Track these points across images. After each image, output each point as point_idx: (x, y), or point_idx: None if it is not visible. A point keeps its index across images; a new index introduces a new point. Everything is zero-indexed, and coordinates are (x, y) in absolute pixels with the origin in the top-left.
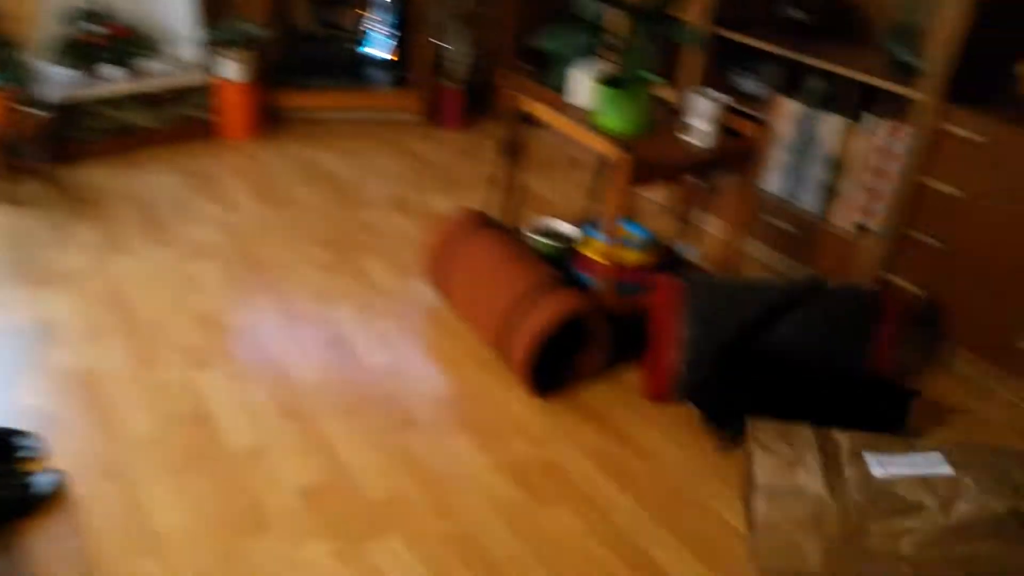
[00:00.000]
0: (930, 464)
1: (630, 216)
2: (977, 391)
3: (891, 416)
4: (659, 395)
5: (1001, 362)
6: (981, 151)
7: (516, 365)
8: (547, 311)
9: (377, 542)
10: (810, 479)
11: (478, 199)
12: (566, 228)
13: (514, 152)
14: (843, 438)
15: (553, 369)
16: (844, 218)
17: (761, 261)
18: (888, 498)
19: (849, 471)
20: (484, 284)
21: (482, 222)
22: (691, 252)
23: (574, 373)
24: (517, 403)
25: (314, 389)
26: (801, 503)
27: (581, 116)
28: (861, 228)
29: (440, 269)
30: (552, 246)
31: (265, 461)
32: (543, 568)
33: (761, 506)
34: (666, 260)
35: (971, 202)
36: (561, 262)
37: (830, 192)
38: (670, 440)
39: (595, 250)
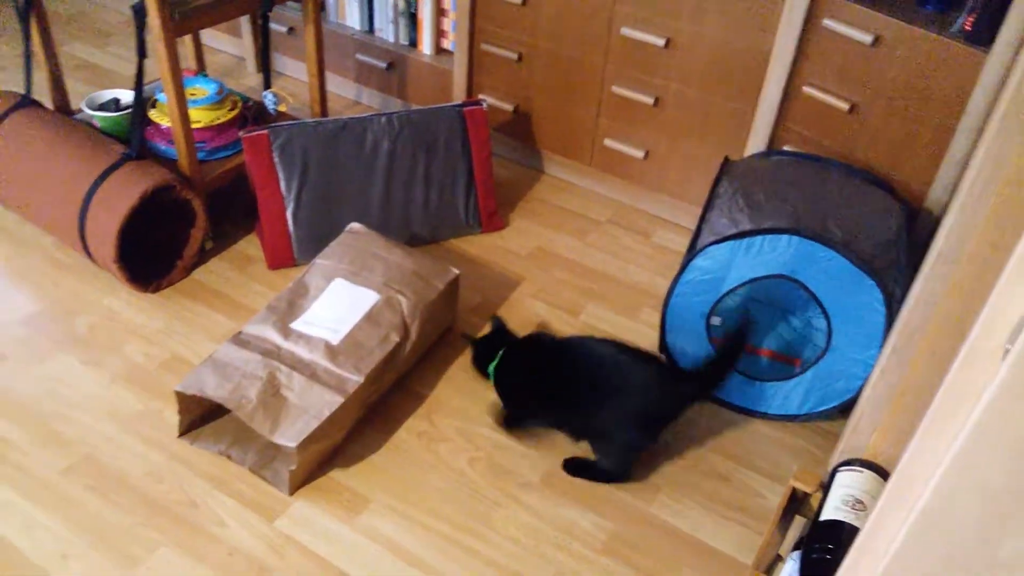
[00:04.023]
0: (353, 297)
1: (202, 72)
2: (563, 186)
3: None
4: (279, 259)
5: (587, 161)
6: None
7: (105, 261)
8: (125, 192)
9: None
10: (310, 398)
11: (18, 81)
12: (129, 97)
13: (27, 14)
14: (257, 328)
15: (153, 257)
16: (428, 45)
17: (352, 99)
18: (361, 353)
19: (305, 354)
20: (45, 176)
21: (23, 105)
22: (275, 101)
23: (179, 257)
24: (119, 303)
25: None
26: (328, 420)
27: None
28: (443, 51)
29: None
30: (115, 119)
31: None
32: (189, 472)
33: None
34: (251, 114)
35: (533, 7)
36: (131, 135)
37: (411, 20)
38: None
39: (167, 114)
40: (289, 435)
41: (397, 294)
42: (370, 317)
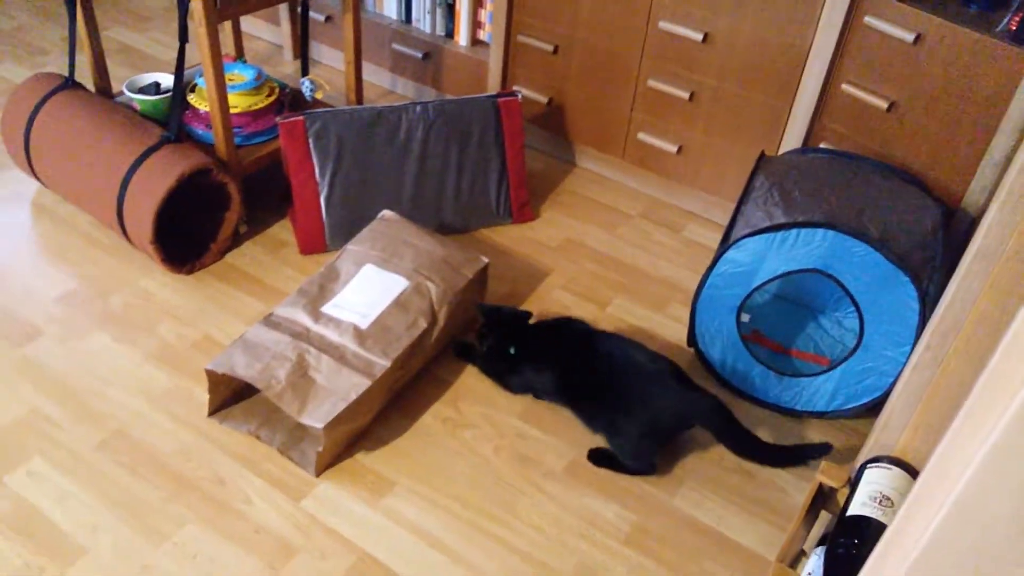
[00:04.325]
0: (383, 282)
1: (241, 58)
2: (595, 179)
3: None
4: (311, 244)
5: (620, 154)
6: None
7: (141, 242)
8: (163, 174)
9: (15, 472)
10: (337, 380)
11: (61, 64)
12: (174, 83)
13: None
14: (288, 311)
15: (188, 240)
16: (464, 36)
17: (387, 88)
18: (389, 339)
19: (335, 338)
20: (85, 158)
21: (65, 86)
22: (312, 88)
23: (214, 240)
24: (154, 283)
25: None
26: (354, 404)
27: None
28: (479, 43)
29: (26, 148)
30: (154, 102)
31: None
32: (218, 451)
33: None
34: (287, 100)
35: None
36: (170, 119)
37: (448, 11)
38: None
39: (205, 99)
40: (317, 416)
41: (426, 280)
42: (399, 303)
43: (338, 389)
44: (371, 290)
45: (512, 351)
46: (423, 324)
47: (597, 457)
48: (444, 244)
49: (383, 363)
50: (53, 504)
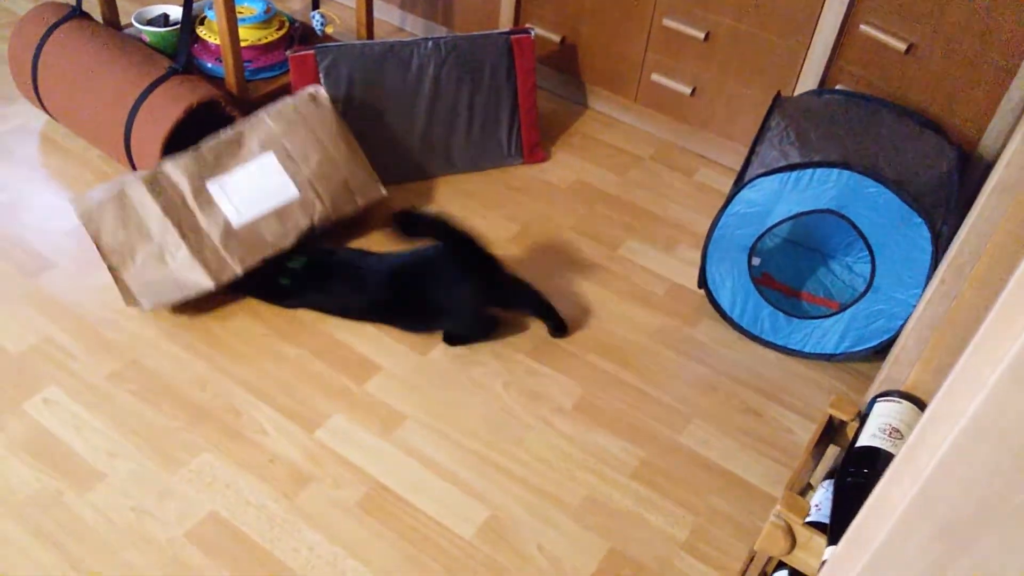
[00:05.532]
0: (275, 181)
1: None
2: (606, 121)
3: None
4: None
5: (633, 96)
6: None
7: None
8: (171, 105)
9: (32, 399)
10: (188, 272)
11: None
12: (178, 13)
13: None
14: (177, 175)
15: None
16: None
17: (396, 25)
18: (255, 246)
19: (205, 222)
20: (92, 88)
21: (72, 16)
22: (322, 22)
23: None
24: None
25: None
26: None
27: None
28: None
29: (34, 80)
30: (163, 34)
31: None
32: (232, 382)
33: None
34: (297, 35)
35: None
36: (184, 59)
37: None
38: None
39: (215, 32)
40: (148, 297)
41: (316, 199)
42: (279, 212)
43: (183, 282)
44: (261, 185)
45: (286, 282)
46: (291, 242)
47: (449, 337)
48: (351, 160)
49: (235, 270)
50: (70, 431)
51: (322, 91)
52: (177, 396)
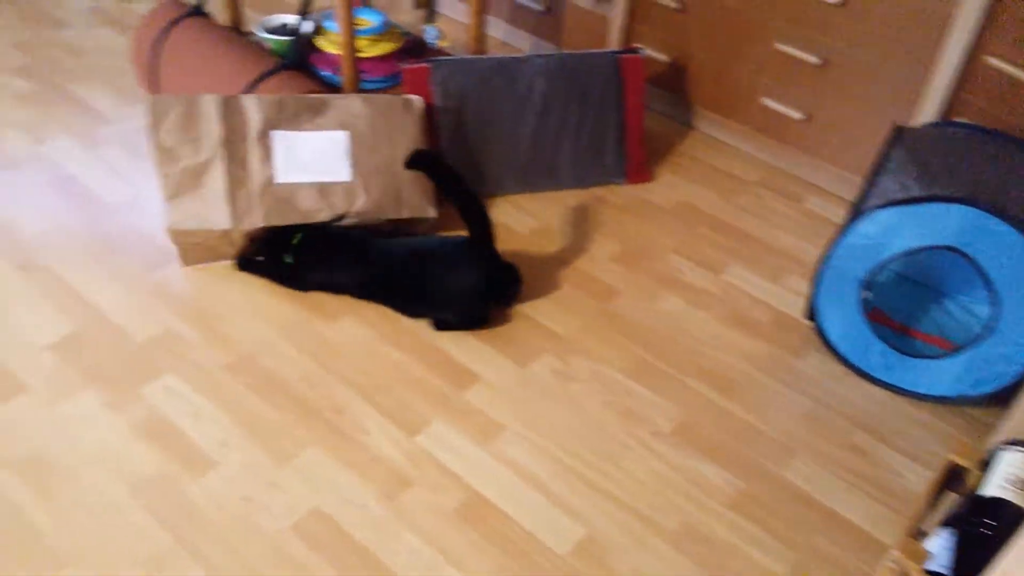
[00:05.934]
0: (334, 159)
1: (366, 3)
2: (713, 143)
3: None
4: None
5: (742, 119)
6: None
7: None
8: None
9: (150, 384)
10: (214, 203)
11: None
12: (300, 23)
13: None
14: (253, 111)
15: None
16: None
17: (505, 42)
18: (286, 209)
19: (254, 166)
20: (205, 74)
21: (192, 14)
22: (436, 35)
23: None
24: None
25: (49, 238)
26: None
27: None
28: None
29: (159, 77)
30: (283, 42)
31: (5, 322)
32: (338, 381)
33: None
34: (410, 47)
35: None
36: (297, 60)
37: None
38: None
39: (332, 42)
40: (172, 215)
41: (363, 191)
42: (323, 188)
43: (208, 213)
44: (320, 156)
45: (289, 260)
46: (321, 219)
47: (437, 324)
48: (413, 174)
49: (256, 223)
50: (186, 418)
51: (418, 101)
52: (286, 391)
